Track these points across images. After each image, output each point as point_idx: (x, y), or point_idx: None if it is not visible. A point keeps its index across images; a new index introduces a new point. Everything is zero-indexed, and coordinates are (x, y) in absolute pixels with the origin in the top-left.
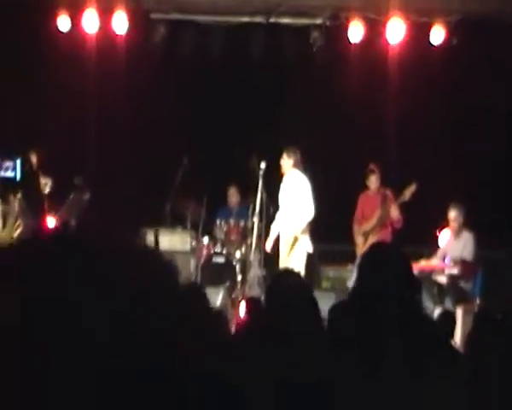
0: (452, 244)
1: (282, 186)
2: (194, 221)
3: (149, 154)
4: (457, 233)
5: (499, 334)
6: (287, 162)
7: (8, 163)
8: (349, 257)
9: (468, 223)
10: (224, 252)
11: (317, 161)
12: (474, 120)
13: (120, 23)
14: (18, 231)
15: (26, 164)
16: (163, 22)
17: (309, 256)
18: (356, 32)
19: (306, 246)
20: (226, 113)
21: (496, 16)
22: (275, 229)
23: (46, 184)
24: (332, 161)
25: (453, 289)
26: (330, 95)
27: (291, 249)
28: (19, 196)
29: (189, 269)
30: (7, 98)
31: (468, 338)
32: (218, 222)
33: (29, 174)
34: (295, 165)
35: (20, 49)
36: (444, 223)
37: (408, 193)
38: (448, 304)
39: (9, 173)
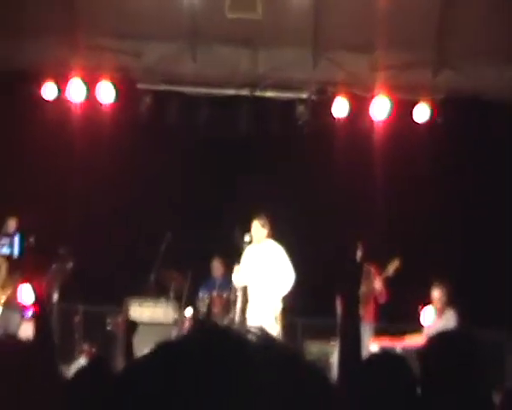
0: (435, 323)
1: (257, 255)
2: (178, 293)
3: (133, 225)
4: (441, 312)
5: None
6: (261, 232)
7: (5, 240)
8: (332, 331)
9: (453, 300)
10: None
11: (301, 234)
12: (459, 198)
13: (107, 92)
14: (6, 294)
15: (25, 241)
16: (149, 92)
17: (292, 330)
18: (341, 107)
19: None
20: (211, 185)
21: (480, 95)
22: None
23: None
24: (316, 233)
25: None
26: (315, 168)
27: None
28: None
29: None
30: None
31: None
32: (200, 294)
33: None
34: (269, 235)
35: (6, 117)
36: (427, 299)
37: (391, 268)
38: None
39: (5, 250)
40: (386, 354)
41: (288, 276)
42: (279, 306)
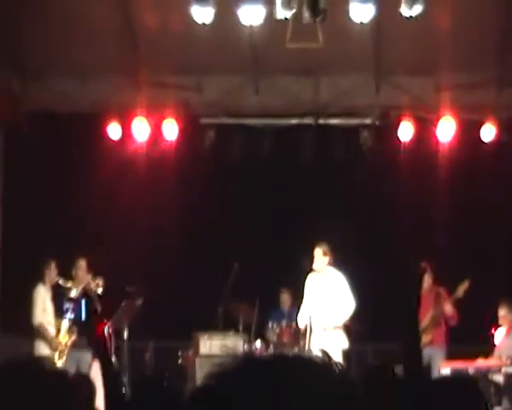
0: (505, 342)
1: (318, 284)
2: (247, 324)
3: (201, 259)
4: (509, 330)
5: None
6: (323, 260)
7: (68, 305)
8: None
9: None
10: None
11: (368, 260)
12: None
13: (170, 129)
14: (72, 338)
15: (90, 304)
16: (212, 126)
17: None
18: (406, 130)
19: (342, 342)
20: (277, 215)
21: None
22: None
23: (98, 285)
24: (384, 260)
25: (510, 389)
26: (381, 193)
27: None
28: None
29: None
30: (61, 206)
31: None
32: (270, 324)
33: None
34: (330, 262)
35: (73, 159)
36: (498, 321)
37: (462, 290)
38: (506, 404)
39: (69, 315)
40: (458, 376)
41: (349, 304)
42: (345, 339)
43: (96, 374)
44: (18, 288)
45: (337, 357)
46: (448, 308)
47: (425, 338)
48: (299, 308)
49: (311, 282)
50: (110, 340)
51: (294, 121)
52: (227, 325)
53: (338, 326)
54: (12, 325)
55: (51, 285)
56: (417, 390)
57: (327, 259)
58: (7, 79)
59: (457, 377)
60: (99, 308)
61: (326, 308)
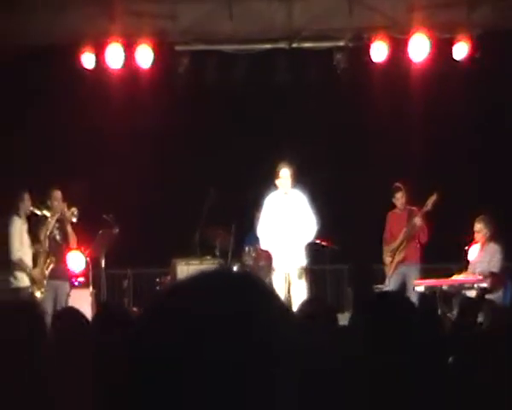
0: (480, 257)
1: (284, 204)
2: (223, 249)
3: (175, 185)
4: (483, 246)
5: None
6: (290, 181)
7: None
8: (378, 277)
9: (497, 235)
10: None
11: (343, 182)
12: (500, 132)
13: (145, 57)
14: (49, 267)
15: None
16: (187, 54)
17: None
18: (379, 51)
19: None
20: (251, 140)
21: None
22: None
23: (73, 213)
24: (358, 181)
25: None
26: (355, 115)
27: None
28: (49, 233)
29: None
30: (35, 136)
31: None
32: (246, 249)
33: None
34: (294, 184)
35: (48, 89)
36: (473, 237)
37: (430, 202)
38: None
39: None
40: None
41: (312, 225)
42: (304, 257)
43: (73, 303)
44: None
45: (300, 275)
46: (417, 221)
47: (398, 256)
48: None
49: (275, 201)
50: (88, 268)
51: (268, 46)
52: (204, 250)
53: (301, 248)
54: None
55: (26, 216)
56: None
57: (292, 180)
58: None
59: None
60: (72, 236)
61: (292, 228)
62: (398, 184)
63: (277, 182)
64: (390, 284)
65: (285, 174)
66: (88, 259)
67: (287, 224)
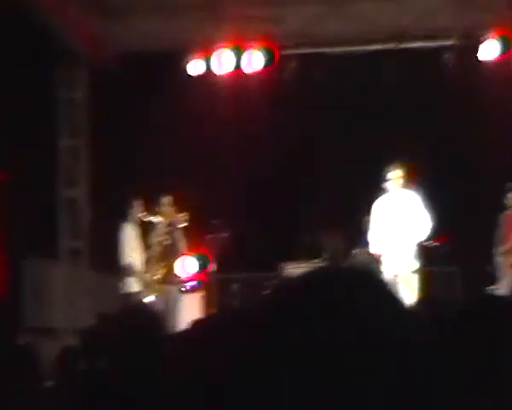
0: None
1: (394, 206)
2: (332, 252)
3: (285, 190)
4: None
5: None
6: (397, 181)
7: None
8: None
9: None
10: None
11: (456, 183)
12: None
13: (254, 61)
14: (161, 272)
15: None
16: (294, 57)
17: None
18: (489, 49)
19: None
20: (361, 141)
21: None
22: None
23: (183, 219)
24: (470, 181)
25: None
26: (465, 114)
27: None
28: (159, 239)
29: None
30: (146, 145)
31: None
32: (355, 252)
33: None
34: (406, 184)
35: (157, 97)
36: None
37: None
38: None
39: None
40: None
41: (426, 224)
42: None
43: (184, 307)
44: (107, 229)
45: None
46: None
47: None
48: None
49: (385, 204)
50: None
51: (377, 47)
52: (312, 253)
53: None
54: (102, 264)
55: (138, 223)
56: None
57: (401, 180)
58: (91, 21)
59: None
60: (182, 241)
61: (402, 230)
62: (510, 185)
63: (388, 184)
64: (505, 287)
65: (395, 175)
66: (210, 260)
67: (396, 226)
